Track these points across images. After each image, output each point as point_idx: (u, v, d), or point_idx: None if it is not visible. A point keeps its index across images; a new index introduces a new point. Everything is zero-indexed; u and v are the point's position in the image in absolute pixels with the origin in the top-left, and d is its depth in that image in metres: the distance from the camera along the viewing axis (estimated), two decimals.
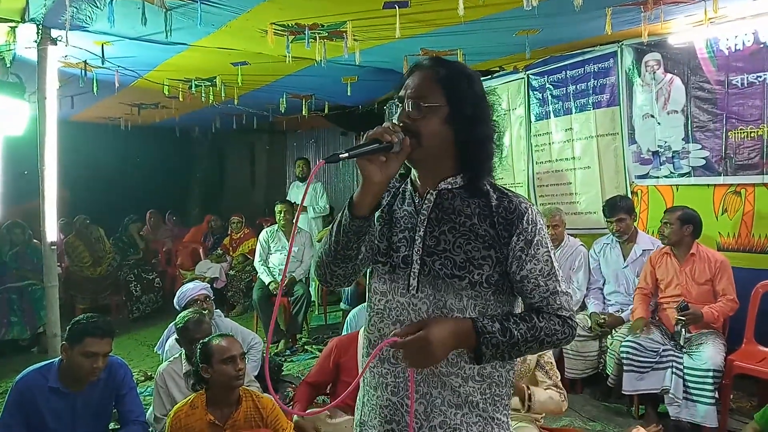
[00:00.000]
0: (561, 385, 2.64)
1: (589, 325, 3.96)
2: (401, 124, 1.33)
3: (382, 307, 1.41)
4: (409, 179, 1.47)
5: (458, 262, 1.33)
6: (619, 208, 4.03)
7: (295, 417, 2.84)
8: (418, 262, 1.36)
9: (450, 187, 1.40)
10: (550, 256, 1.37)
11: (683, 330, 3.44)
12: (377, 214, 1.43)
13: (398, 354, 1.35)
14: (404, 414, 1.38)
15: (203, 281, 6.46)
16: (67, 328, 2.68)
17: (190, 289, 3.93)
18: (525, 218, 1.34)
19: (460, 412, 1.36)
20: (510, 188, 1.44)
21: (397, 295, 1.39)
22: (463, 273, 1.33)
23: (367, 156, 1.27)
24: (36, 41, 3.68)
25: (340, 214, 1.36)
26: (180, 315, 3.32)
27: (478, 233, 1.34)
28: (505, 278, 1.36)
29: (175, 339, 3.40)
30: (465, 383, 1.36)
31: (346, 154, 1.24)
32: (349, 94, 5.59)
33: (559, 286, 1.37)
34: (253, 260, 6.03)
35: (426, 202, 1.40)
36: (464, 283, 1.33)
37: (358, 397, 1.53)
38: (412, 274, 1.36)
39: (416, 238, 1.38)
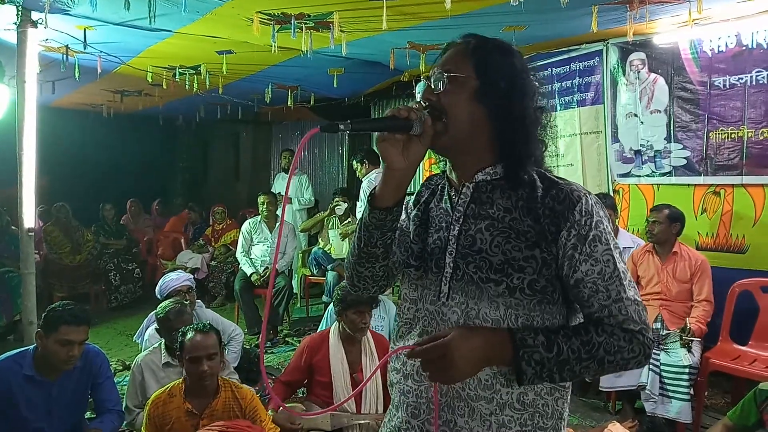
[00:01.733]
0: None
1: None
2: (426, 103, 1.16)
3: (411, 316, 1.24)
4: (445, 174, 1.30)
5: (495, 263, 1.13)
6: (605, 204, 4.07)
7: (270, 411, 2.85)
8: (451, 265, 1.18)
9: (489, 178, 1.20)
10: (612, 256, 1.13)
11: (661, 327, 3.50)
12: (413, 212, 1.31)
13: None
14: None
15: (184, 271, 6.42)
16: (43, 315, 2.65)
17: (173, 279, 3.90)
18: (577, 208, 1.12)
19: None
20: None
21: (427, 303, 1.21)
22: (500, 276, 1.13)
23: (382, 136, 1.12)
24: (16, 23, 3.60)
25: (363, 211, 1.22)
26: (161, 305, 3.29)
27: (520, 230, 1.14)
28: (556, 284, 1.15)
29: (155, 329, 3.37)
30: (500, 411, 1.14)
31: (349, 125, 1.07)
32: (335, 86, 5.58)
33: (625, 292, 1.12)
34: (235, 251, 5.99)
35: (462, 196, 1.21)
36: (501, 288, 1.12)
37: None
38: (443, 279, 1.18)
39: (450, 237, 1.20)
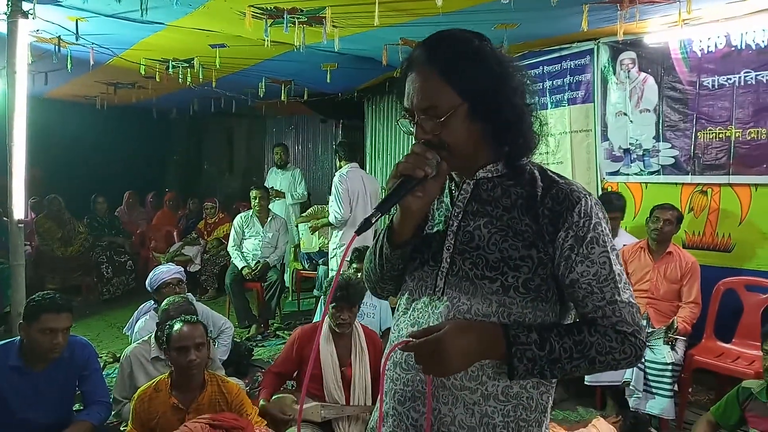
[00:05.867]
0: None
1: None
2: (423, 141, 1.15)
3: (406, 306, 1.26)
4: None
5: (491, 261, 1.14)
6: (616, 205, 4.01)
7: (261, 402, 2.87)
8: (448, 260, 1.19)
9: (490, 175, 1.21)
10: (609, 258, 1.13)
11: (647, 325, 3.54)
12: None
13: (411, 359, 1.17)
14: (409, 427, 1.20)
15: (182, 261, 6.44)
16: (23, 307, 2.64)
17: (164, 272, 3.90)
18: (576, 209, 1.13)
19: None
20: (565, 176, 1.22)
21: (423, 295, 1.22)
22: (495, 274, 1.13)
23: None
24: (5, 13, 3.59)
25: (379, 239, 1.25)
26: (167, 299, 3.30)
27: (518, 229, 1.15)
28: (551, 283, 1.15)
29: (157, 322, 3.33)
30: (484, 401, 1.15)
31: (377, 213, 1.09)
32: (328, 81, 5.57)
33: (620, 294, 1.12)
34: (227, 245, 6.00)
35: (462, 192, 1.22)
36: (495, 285, 1.13)
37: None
38: (440, 274, 1.19)
39: (448, 233, 1.20)
